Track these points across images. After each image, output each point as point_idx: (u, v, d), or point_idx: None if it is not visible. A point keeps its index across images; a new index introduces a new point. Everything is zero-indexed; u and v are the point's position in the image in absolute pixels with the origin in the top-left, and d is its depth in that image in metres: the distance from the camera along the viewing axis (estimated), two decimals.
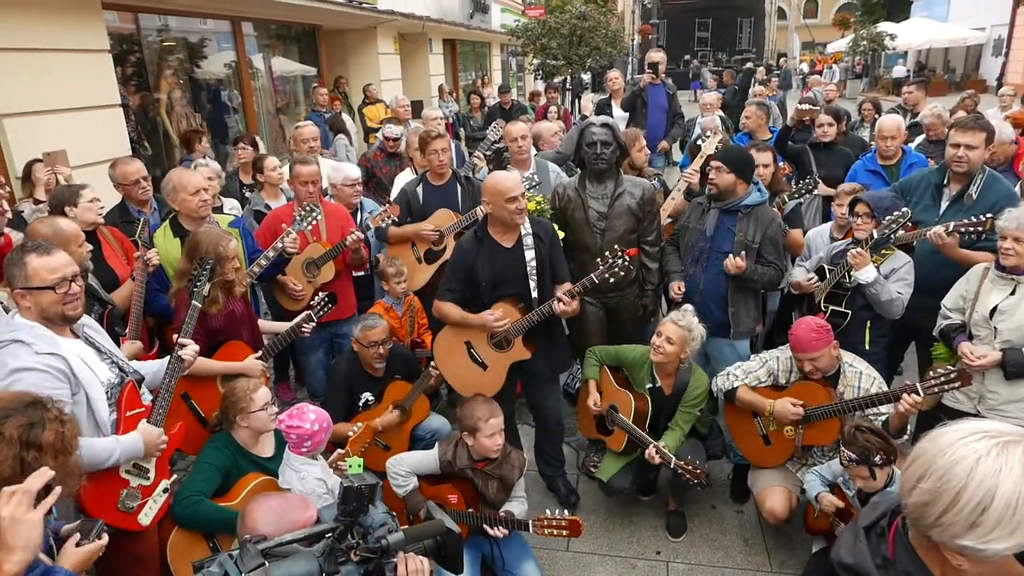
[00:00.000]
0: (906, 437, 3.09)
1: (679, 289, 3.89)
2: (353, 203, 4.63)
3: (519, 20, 20.31)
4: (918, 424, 3.57)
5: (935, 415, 3.29)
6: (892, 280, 3.47)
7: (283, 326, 3.65)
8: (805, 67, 28.53)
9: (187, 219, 3.79)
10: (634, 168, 4.89)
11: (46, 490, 1.63)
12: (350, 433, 3.56)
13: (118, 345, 3.05)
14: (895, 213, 3.40)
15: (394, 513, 1.66)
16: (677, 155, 8.97)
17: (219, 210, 4.72)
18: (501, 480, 3.19)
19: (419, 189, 4.57)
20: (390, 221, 4.27)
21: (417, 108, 9.97)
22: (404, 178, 5.16)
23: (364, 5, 10.74)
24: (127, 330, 3.43)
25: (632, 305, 4.15)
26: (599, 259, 3.38)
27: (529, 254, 3.41)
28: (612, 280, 3.35)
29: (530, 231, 3.43)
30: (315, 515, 1.77)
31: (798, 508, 3.36)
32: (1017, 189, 3.98)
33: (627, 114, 7.54)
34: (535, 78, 19.31)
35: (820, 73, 18.37)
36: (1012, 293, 3.10)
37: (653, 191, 4.12)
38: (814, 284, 3.66)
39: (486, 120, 10.29)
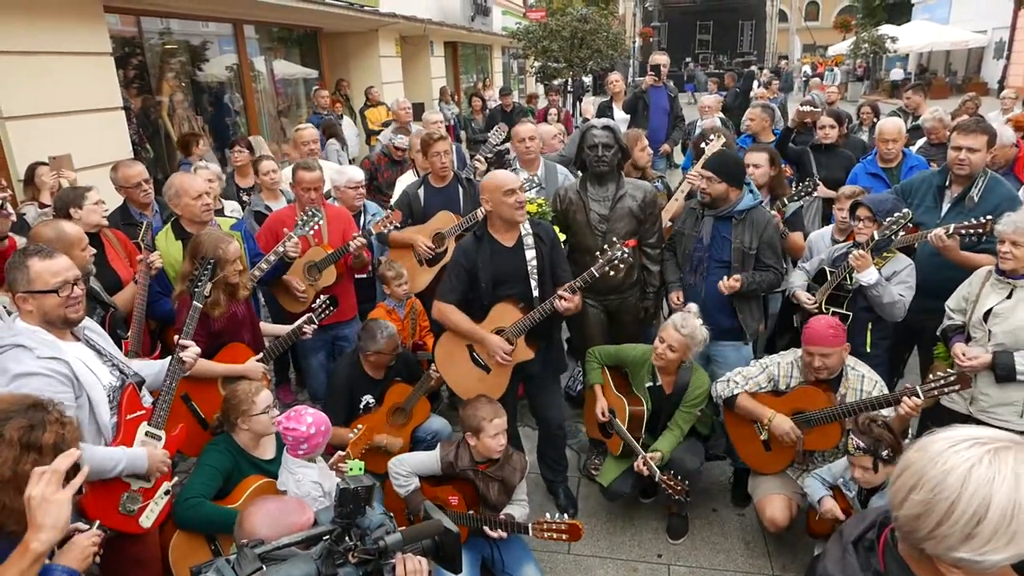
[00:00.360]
0: (907, 440, 3.09)
1: (678, 300, 3.90)
2: (356, 205, 4.63)
3: (520, 23, 20.32)
4: (920, 425, 3.57)
5: (933, 414, 3.29)
6: (894, 282, 3.47)
7: (284, 329, 3.65)
8: (808, 69, 28.54)
9: (189, 222, 3.80)
10: (637, 168, 4.89)
11: (74, 470, 1.65)
12: (350, 436, 3.56)
13: (120, 348, 3.05)
14: (896, 214, 3.40)
15: (392, 514, 1.66)
16: (679, 157, 8.98)
17: (220, 212, 4.73)
18: (502, 482, 3.19)
19: (420, 191, 4.58)
20: (392, 227, 4.27)
21: (418, 111, 9.99)
22: (406, 180, 5.17)
23: (366, 8, 10.76)
24: (129, 333, 3.43)
25: (633, 308, 4.15)
26: (598, 252, 3.36)
27: (530, 253, 3.40)
28: (612, 272, 3.32)
29: (530, 231, 3.43)
30: (312, 518, 1.77)
31: (799, 515, 3.35)
32: (1021, 193, 3.97)
33: (628, 116, 7.54)
34: (536, 81, 19.33)
35: (821, 77, 18.36)
36: (1008, 296, 3.11)
37: (654, 193, 4.12)
38: (811, 303, 3.65)
39: (487, 123, 10.29)
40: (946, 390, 2.92)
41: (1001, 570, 1.11)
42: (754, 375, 3.41)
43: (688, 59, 33.55)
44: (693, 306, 3.60)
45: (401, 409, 3.81)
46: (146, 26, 7.84)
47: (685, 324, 3.39)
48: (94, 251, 3.28)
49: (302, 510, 1.83)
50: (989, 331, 3.12)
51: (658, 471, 3.29)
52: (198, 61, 8.92)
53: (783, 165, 5.08)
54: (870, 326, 3.54)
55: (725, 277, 3.64)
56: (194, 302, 3.02)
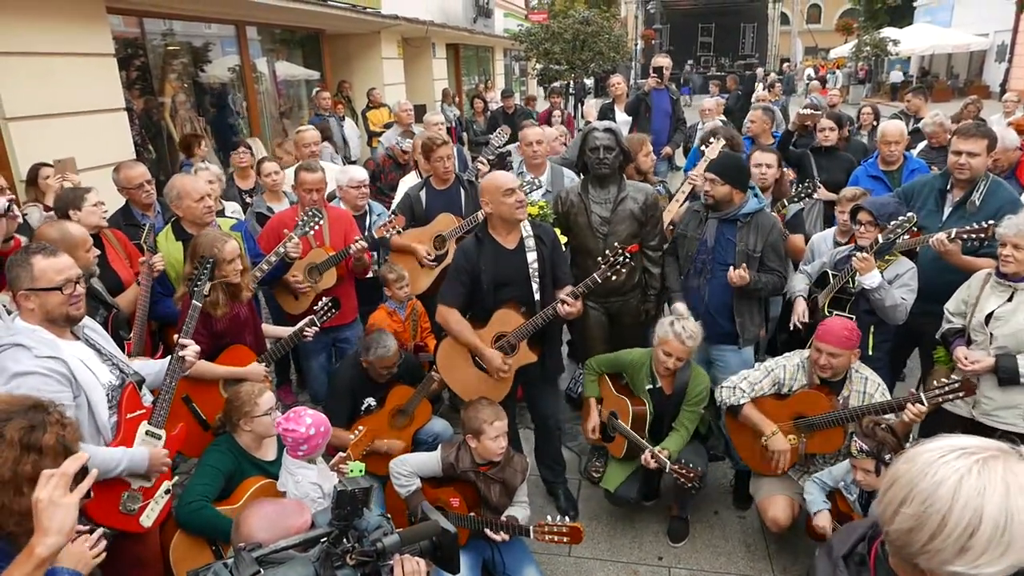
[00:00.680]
0: (909, 445, 3.08)
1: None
2: (359, 205, 4.63)
3: (522, 25, 20.32)
4: (921, 430, 3.56)
5: (935, 418, 3.29)
6: (896, 286, 3.46)
7: (286, 331, 3.65)
8: (811, 72, 28.53)
9: (190, 224, 3.80)
10: (640, 173, 4.90)
11: (82, 474, 1.62)
12: (351, 437, 3.56)
13: (121, 349, 3.06)
14: (900, 218, 3.39)
15: (390, 516, 1.66)
16: (680, 160, 8.98)
17: (220, 213, 4.73)
18: (503, 484, 3.19)
19: (422, 193, 4.59)
20: (394, 232, 4.28)
21: (420, 112, 9.99)
22: (409, 181, 5.17)
23: (368, 10, 10.77)
24: (131, 334, 3.44)
25: (635, 310, 4.15)
26: (600, 258, 3.38)
27: (531, 255, 3.41)
28: (615, 278, 3.35)
29: (531, 233, 3.44)
30: (310, 520, 1.76)
31: (801, 515, 3.34)
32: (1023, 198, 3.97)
33: (630, 119, 7.54)
34: (538, 83, 19.35)
35: (823, 81, 18.32)
36: (1009, 299, 3.11)
37: (656, 196, 4.11)
38: (800, 319, 3.67)
39: (489, 124, 10.30)
40: (950, 397, 2.92)
41: None
42: (759, 380, 3.38)
43: (690, 61, 33.57)
44: (680, 307, 3.59)
45: (403, 411, 3.81)
46: (149, 27, 7.86)
47: (686, 330, 3.37)
48: (98, 252, 3.30)
49: (300, 512, 1.82)
50: (990, 334, 3.12)
51: (668, 462, 3.28)
52: (200, 62, 8.94)
53: (785, 168, 5.08)
54: (872, 329, 3.54)
55: (732, 268, 3.62)
56: (193, 301, 3.03)
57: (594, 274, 3.36)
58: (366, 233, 4.31)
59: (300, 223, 3.93)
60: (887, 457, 2.70)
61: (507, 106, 10.50)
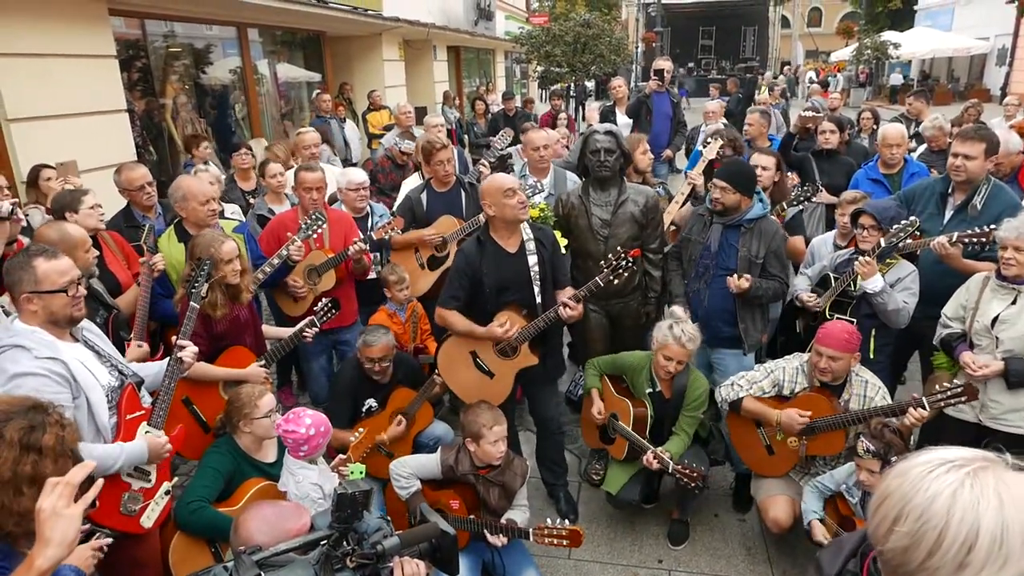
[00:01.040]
0: (895, 462, 3.07)
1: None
2: (359, 207, 4.63)
3: (523, 27, 20.37)
4: (922, 434, 3.56)
5: (939, 424, 3.28)
6: (897, 289, 3.46)
7: (286, 332, 3.65)
8: (813, 75, 28.54)
9: (193, 226, 3.80)
10: (638, 172, 4.90)
11: (88, 483, 1.58)
12: (351, 439, 3.56)
13: (122, 351, 3.06)
14: (903, 222, 3.39)
15: (390, 518, 1.65)
16: (681, 163, 8.99)
17: (220, 215, 4.73)
18: (503, 487, 3.18)
19: (423, 196, 4.59)
20: (393, 233, 4.27)
21: (421, 114, 10.00)
22: (411, 183, 5.18)
23: (369, 12, 10.80)
24: (131, 335, 3.43)
25: (635, 312, 4.15)
26: (603, 261, 3.38)
27: (532, 259, 3.41)
28: (616, 282, 3.35)
29: (532, 236, 3.44)
30: (309, 522, 1.76)
31: (801, 517, 3.34)
32: None
33: (631, 121, 7.55)
34: (538, 86, 19.37)
35: (824, 84, 18.35)
36: (1013, 303, 3.09)
37: (656, 198, 4.11)
38: (814, 303, 3.64)
39: (489, 127, 10.31)
40: (952, 402, 2.91)
41: None
42: (759, 379, 3.40)
43: (691, 64, 33.61)
44: (677, 309, 3.60)
45: (404, 414, 3.80)
46: (150, 29, 7.87)
47: (685, 333, 3.37)
48: (97, 253, 3.30)
49: (298, 515, 1.82)
50: (996, 338, 3.10)
51: (671, 462, 3.28)
52: (202, 64, 8.95)
53: (788, 173, 5.09)
54: (873, 333, 3.53)
55: (735, 276, 3.62)
56: (191, 302, 3.03)
57: (596, 278, 3.37)
58: (368, 233, 4.31)
59: (303, 226, 3.93)
60: (893, 459, 2.69)
61: (508, 108, 10.51)
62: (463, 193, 4.61)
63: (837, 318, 3.54)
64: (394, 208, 4.88)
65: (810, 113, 5.51)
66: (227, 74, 9.44)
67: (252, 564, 1.45)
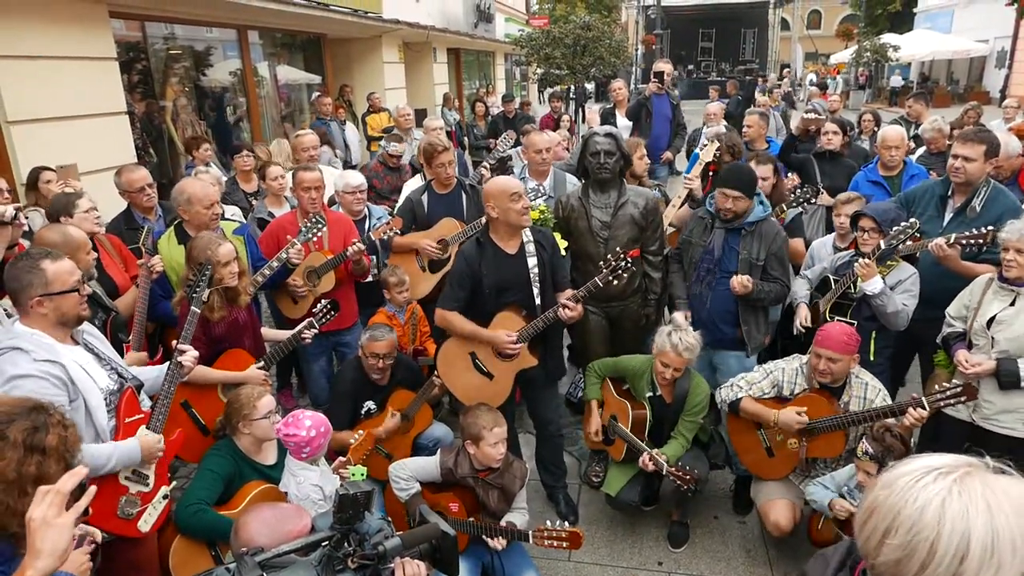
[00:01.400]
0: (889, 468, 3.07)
1: (687, 319, 3.86)
2: (356, 210, 4.64)
3: (523, 30, 20.41)
4: (922, 434, 3.56)
5: (936, 422, 3.28)
6: (897, 292, 3.46)
7: (285, 334, 3.65)
8: (813, 77, 28.59)
9: (194, 228, 3.80)
10: (635, 177, 4.90)
11: (79, 491, 1.55)
12: (351, 440, 3.55)
13: (121, 353, 3.06)
14: (903, 224, 3.40)
15: (391, 519, 1.66)
16: (681, 165, 8.98)
17: (221, 216, 4.73)
18: (502, 490, 3.18)
19: (424, 197, 4.59)
20: (392, 233, 4.27)
21: (421, 117, 10.01)
22: (412, 185, 5.18)
23: (369, 14, 10.81)
24: (130, 337, 3.43)
25: (635, 315, 4.15)
26: (601, 262, 3.38)
27: (532, 260, 3.41)
28: (616, 282, 3.35)
29: (531, 238, 3.45)
30: (309, 524, 1.76)
31: (802, 520, 3.34)
32: None
33: (631, 123, 7.55)
34: (538, 88, 19.40)
35: (823, 87, 18.35)
36: (1012, 304, 3.11)
37: (656, 201, 4.12)
38: (803, 326, 3.65)
39: (489, 129, 10.32)
40: (951, 401, 2.92)
41: None
42: (758, 380, 3.40)
43: (692, 66, 33.62)
44: (679, 317, 3.59)
45: (404, 415, 3.80)
46: (150, 31, 7.88)
47: (683, 342, 3.36)
48: (96, 254, 3.30)
49: (299, 516, 1.82)
50: (992, 338, 3.12)
51: (665, 464, 3.28)
52: (202, 66, 8.96)
53: (788, 175, 5.09)
54: (873, 335, 3.53)
55: (736, 275, 3.61)
56: (192, 307, 3.03)
57: (595, 278, 3.37)
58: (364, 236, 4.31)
59: (303, 229, 3.93)
60: (890, 464, 2.69)
61: (507, 110, 10.51)
62: (464, 195, 4.61)
63: (837, 320, 3.54)
64: (395, 210, 4.88)
65: (812, 115, 5.52)
66: (227, 76, 9.45)
67: (255, 565, 1.45)
